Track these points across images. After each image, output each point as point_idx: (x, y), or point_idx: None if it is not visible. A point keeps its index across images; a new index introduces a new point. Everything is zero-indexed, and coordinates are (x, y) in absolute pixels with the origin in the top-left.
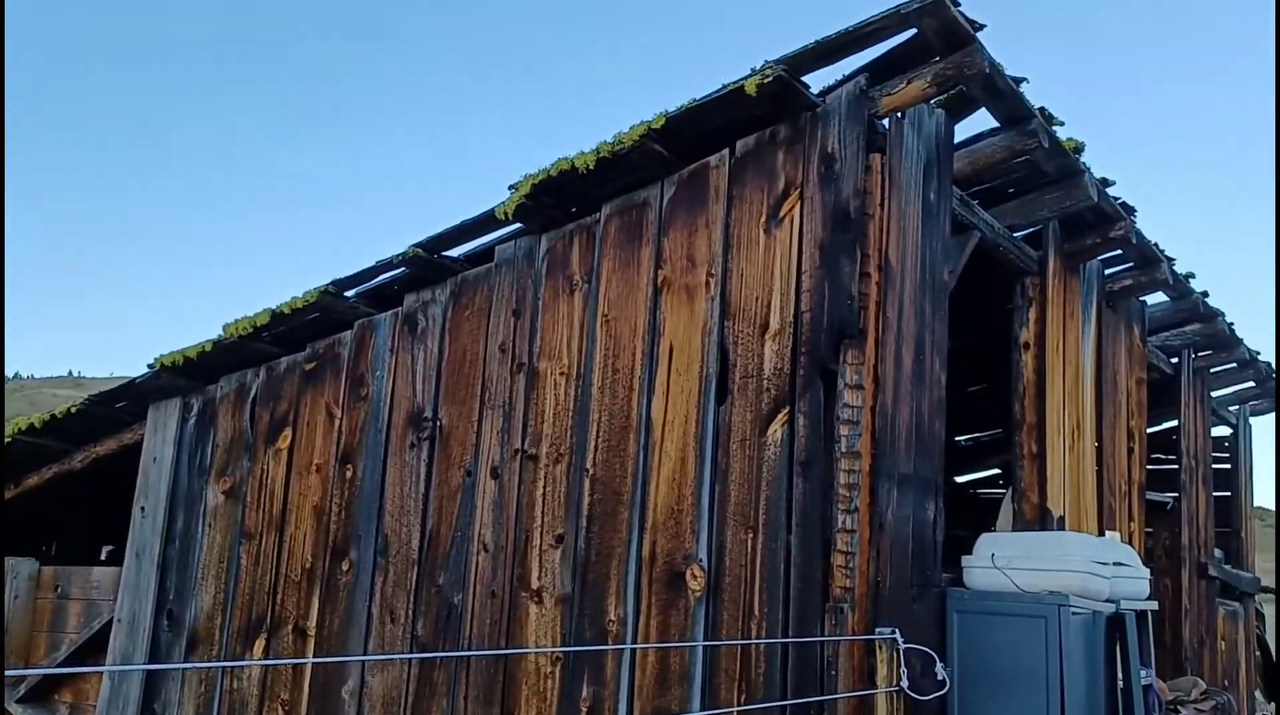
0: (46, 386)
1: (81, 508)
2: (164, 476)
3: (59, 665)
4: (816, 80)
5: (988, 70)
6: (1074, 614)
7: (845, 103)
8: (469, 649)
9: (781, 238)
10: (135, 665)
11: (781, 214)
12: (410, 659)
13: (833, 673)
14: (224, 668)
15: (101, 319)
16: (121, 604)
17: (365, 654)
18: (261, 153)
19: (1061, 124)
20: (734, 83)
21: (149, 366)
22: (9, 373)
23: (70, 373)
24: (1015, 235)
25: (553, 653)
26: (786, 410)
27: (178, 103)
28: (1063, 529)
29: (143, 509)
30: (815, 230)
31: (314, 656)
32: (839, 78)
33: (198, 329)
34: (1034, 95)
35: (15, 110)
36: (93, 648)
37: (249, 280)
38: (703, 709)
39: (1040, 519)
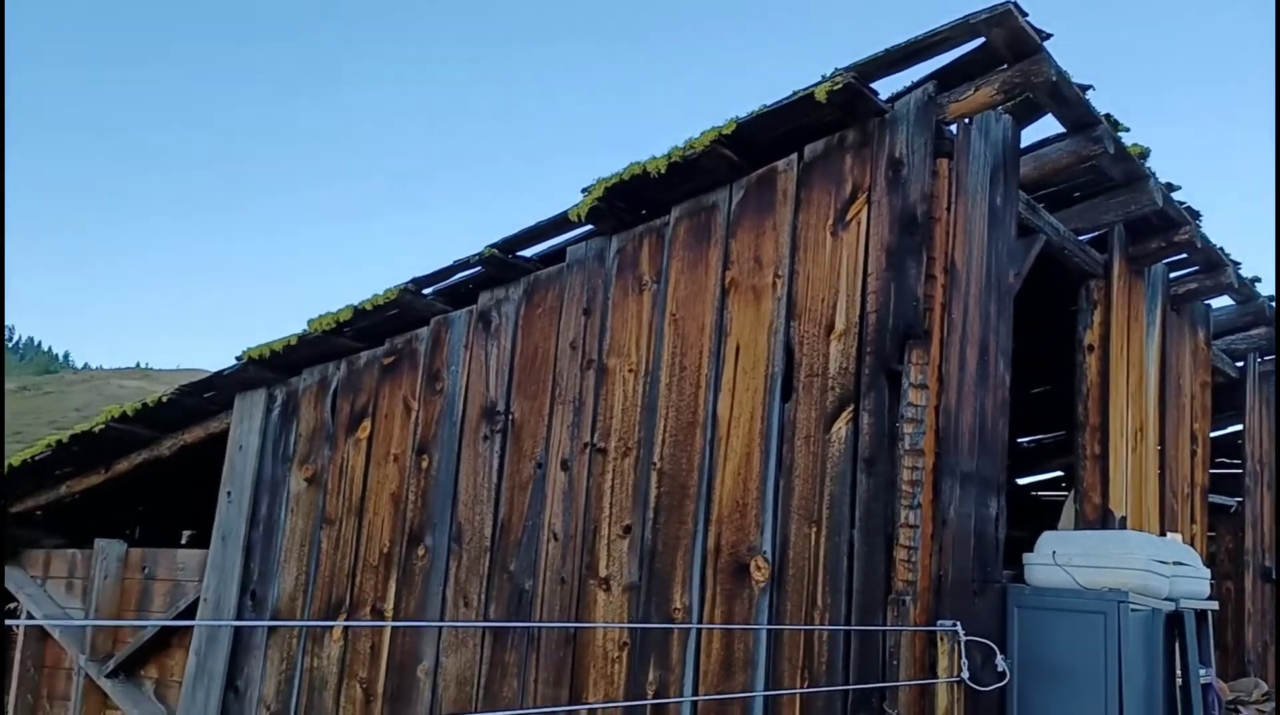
0: (114, 377)
1: (164, 493)
2: (249, 464)
3: (146, 642)
4: (885, 87)
5: (1054, 78)
6: (1133, 611)
7: (913, 109)
8: (540, 636)
9: (848, 240)
10: (220, 621)
11: (849, 217)
12: (485, 634)
13: (894, 662)
14: (304, 647)
15: (168, 311)
16: (207, 585)
17: (441, 634)
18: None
19: (1127, 129)
20: (803, 90)
21: (237, 359)
22: (79, 363)
23: (137, 364)
24: (1080, 239)
25: (620, 638)
26: (851, 408)
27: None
28: (1124, 529)
29: (229, 494)
30: (882, 233)
31: (391, 639)
32: (907, 84)
33: (264, 323)
34: (1100, 100)
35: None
36: (175, 628)
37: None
38: (765, 701)
39: (1102, 519)
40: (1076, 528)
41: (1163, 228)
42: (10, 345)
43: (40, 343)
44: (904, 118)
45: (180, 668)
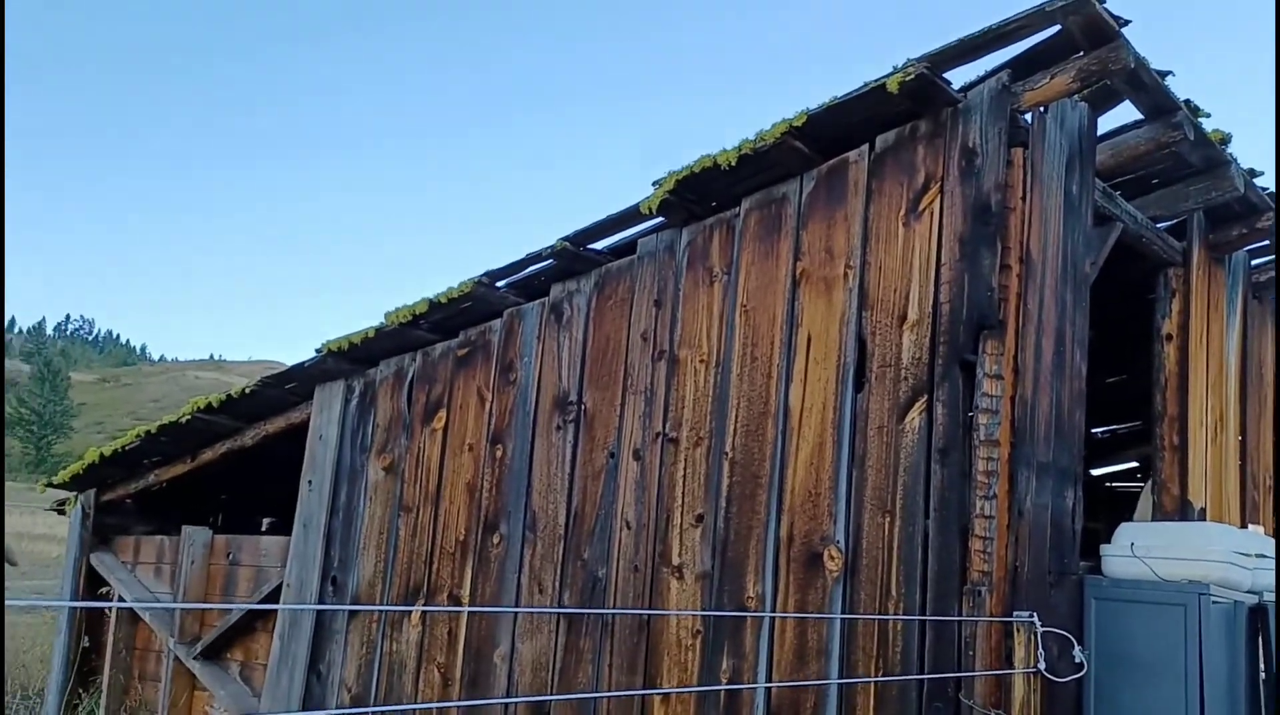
0: (190, 369)
1: (245, 482)
2: (329, 453)
3: (231, 626)
4: (957, 77)
5: (1132, 65)
6: (1214, 603)
7: (987, 98)
8: (614, 623)
9: (920, 231)
10: (304, 606)
11: (921, 207)
12: (559, 621)
13: (970, 653)
14: (384, 632)
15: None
16: (290, 570)
17: (516, 621)
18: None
19: (1208, 115)
20: (875, 81)
21: (316, 351)
22: (155, 356)
23: (211, 356)
24: (1159, 226)
25: (693, 627)
26: (924, 399)
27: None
28: (1204, 521)
29: (309, 483)
30: (955, 223)
31: (468, 625)
32: (980, 74)
33: (335, 317)
34: (1180, 85)
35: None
36: (259, 612)
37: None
38: (839, 690)
39: (1181, 511)
40: (1154, 519)
41: (1244, 214)
42: (90, 338)
43: (118, 336)
44: (977, 107)
45: (264, 651)
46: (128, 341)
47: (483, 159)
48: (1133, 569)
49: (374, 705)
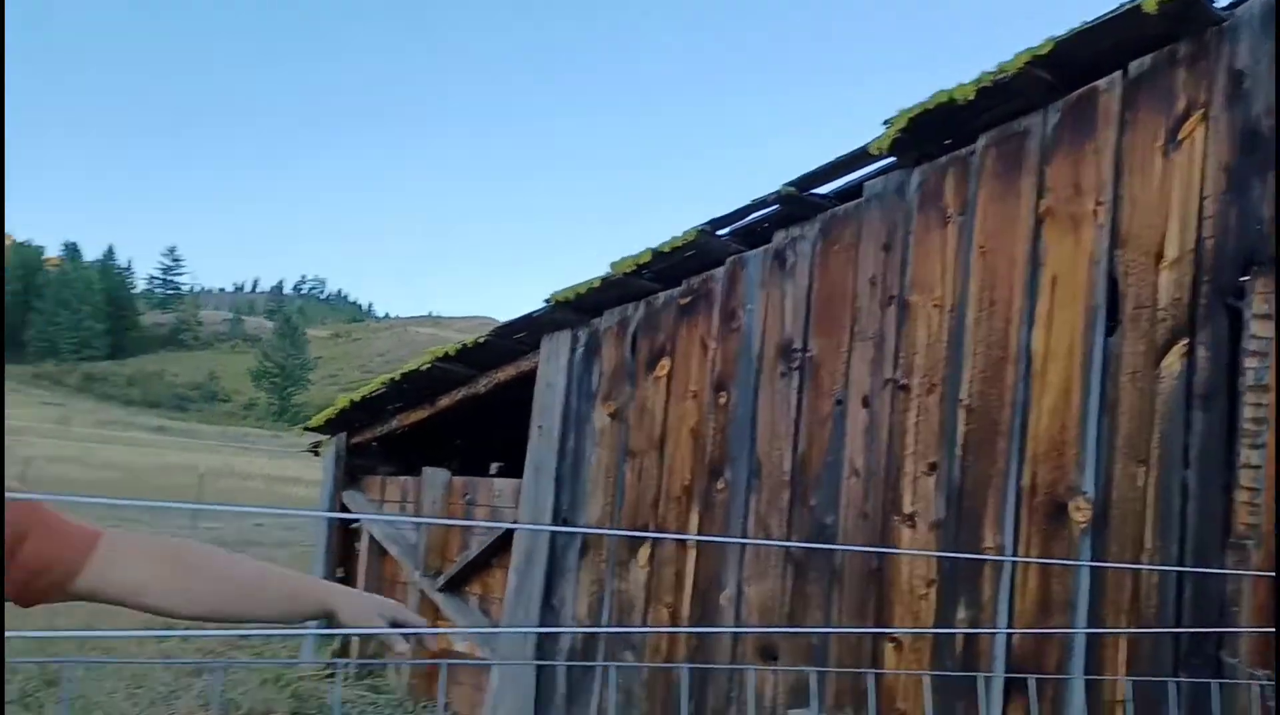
0: (410, 325)
1: (476, 428)
2: (557, 400)
3: (470, 562)
4: None
5: None
6: None
7: (1257, 15)
8: (842, 569)
9: (1180, 162)
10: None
11: (1180, 136)
12: (787, 566)
13: (1234, 609)
14: (613, 571)
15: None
16: (522, 512)
17: (743, 564)
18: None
19: None
20: (1129, 2)
21: (545, 302)
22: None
23: (429, 313)
24: None
25: (927, 576)
26: (1184, 342)
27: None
28: None
29: (539, 428)
30: (1220, 153)
31: (695, 567)
32: None
33: (539, 275)
34: None
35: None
36: (495, 549)
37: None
38: (1087, 640)
39: None
40: None
41: None
42: (322, 298)
43: (346, 295)
44: (1246, 25)
45: (500, 586)
46: (355, 300)
47: (694, 131)
48: None
49: (604, 641)
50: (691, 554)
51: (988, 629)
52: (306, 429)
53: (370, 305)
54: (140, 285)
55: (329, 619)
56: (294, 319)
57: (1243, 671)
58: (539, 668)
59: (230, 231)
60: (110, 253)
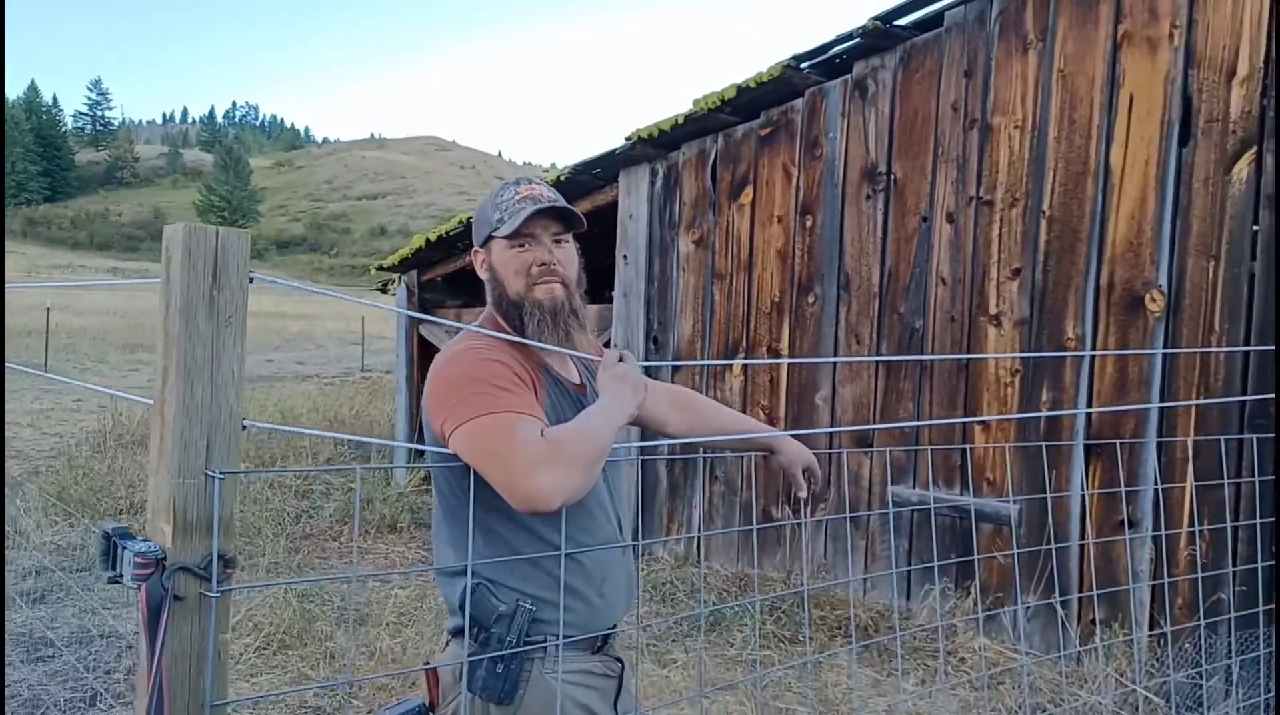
0: (354, 149)
1: None
2: (640, 230)
3: None
4: None
5: None
6: None
7: None
8: (932, 366)
9: None
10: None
11: None
12: (878, 367)
13: None
14: (707, 383)
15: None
16: (615, 332)
17: (836, 368)
18: None
19: None
20: None
21: (626, 139)
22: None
23: (372, 135)
24: None
25: (1012, 366)
26: (1254, 150)
27: None
28: None
29: (625, 257)
30: None
31: (789, 373)
32: None
33: (493, 91)
34: None
35: None
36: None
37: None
38: (1160, 411)
39: None
40: None
41: None
42: (257, 124)
43: (282, 120)
44: None
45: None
46: (292, 125)
47: None
48: None
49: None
50: (785, 359)
51: (1068, 410)
52: (379, 268)
53: (308, 130)
54: (68, 123)
55: (772, 452)
56: (235, 150)
57: None
58: (641, 465)
59: (153, 58)
60: (34, 88)
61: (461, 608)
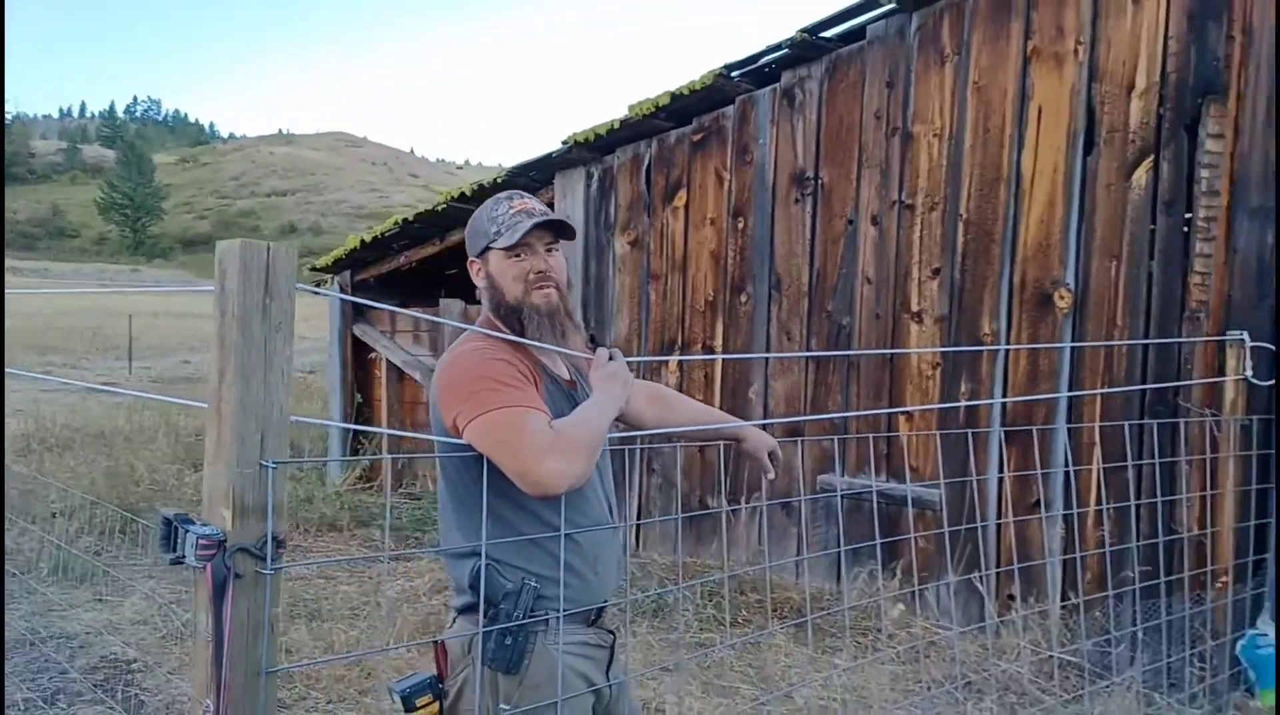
0: (262, 145)
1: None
2: (577, 231)
3: None
4: None
5: None
6: None
7: None
8: (859, 360)
9: (1149, 6)
10: None
11: None
12: (808, 362)
13: (1188, 366)
14: (644, 378)
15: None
16: None
17: (768, 363)
18: None
19: None
20: None
21: (563, 143)
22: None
23: (280, 131)
24: None
25: (933, 360)
26: (1151, 159)
27: None
28: None
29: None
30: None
31: (723, 369)
32: None
33: (373, 84)
34: None
35: None
36: None
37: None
38: (1069, 400)
39: None
40: None
41: None
42: (160, 120)
43: (186, 115)
44: None
45: None
46: (196, 120)
47: None
48: None
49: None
50: (719, 355)
51: (985, 400)
52: (313, 268)
53: (213, 125)
54: None
55: (739, 441)
56: (138, 146)
57: (1195, 411)
58: None
59: (46, 51)
60: None
61: (471, 586)
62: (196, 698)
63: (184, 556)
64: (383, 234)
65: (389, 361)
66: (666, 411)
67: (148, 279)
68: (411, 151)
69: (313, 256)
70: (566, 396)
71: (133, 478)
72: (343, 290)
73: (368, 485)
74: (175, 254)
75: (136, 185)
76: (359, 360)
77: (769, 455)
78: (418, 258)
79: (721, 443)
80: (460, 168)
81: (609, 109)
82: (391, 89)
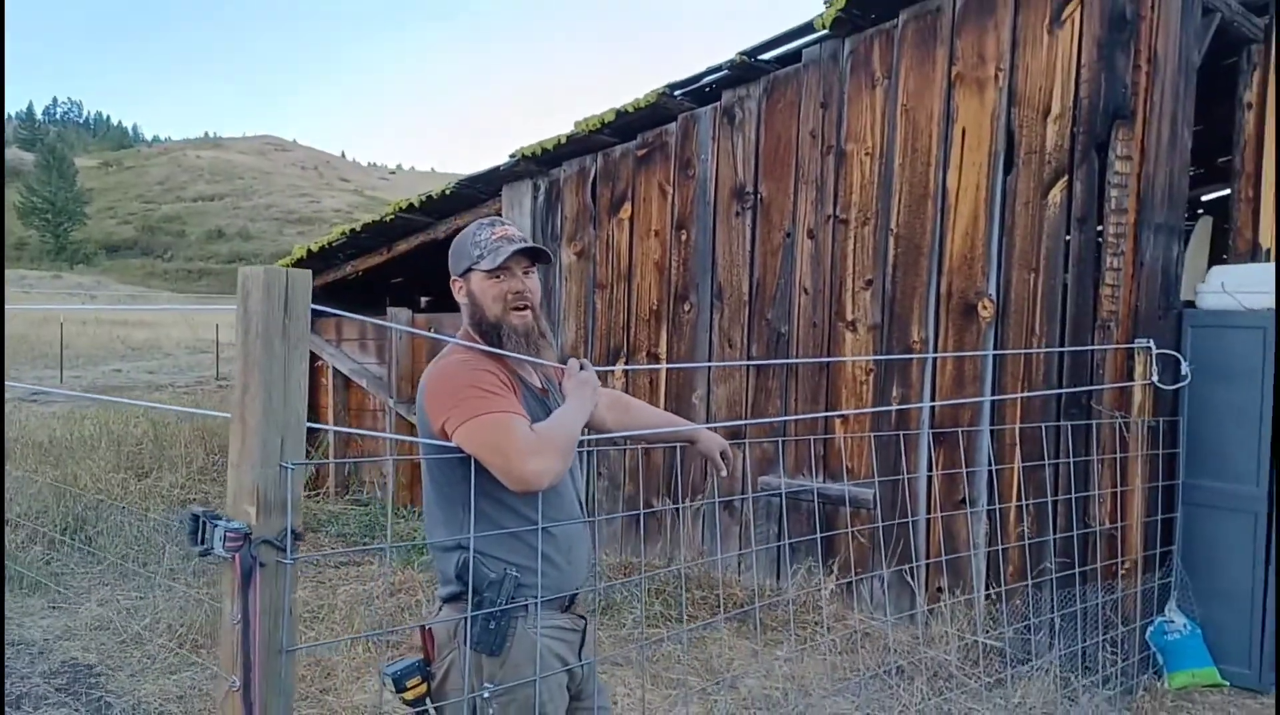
0: (188, 148)
1: (439, 272)
2: None
3: None
4: None
5: None
6: None
7: None
8: (797, 367)
9: (1063, 37)
10: None
11: (1064, 17)
12: (749, 368)
13: (1100, 371)
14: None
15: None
16: None
17: (710, 369)
18: None
19: None
20: None
21: (510, 157)
22: (149, 136)
23: (207, 134)
24: (1244, 6)
25: (867, 367)
26: (1065, 178)
27: None
28: (1269, 261)
29: None
30: (1094, 30)
31: (667, 375)
32: None
33: (306, 84)
34: None
35: None
36: None
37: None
38: (992, 404)
39: (1252, 252)
40: (1231, 260)
41: None
42: (81, 122)
43: (109, 117)
44: None
45: None
46: (119, 123)
47: None
48: (1223, 303)
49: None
50: (663, 365)
51: (915, 404)
52: None
53: (136, 128)
54: None
55: (692, 442)
56: (59, 149)
57: (1106, 412)
58: None
59: None
60: None
61: (458, 576)
62: (224, 675)
63: (212, 548)
64: (329, 244)
65: (335, 369)
66: (626, 416)
67: (70, 284)
68: (343, 155)
69: (242, 262)
70: (540, 403)
71: (78, 487)
72: None
73: (314, 493)
74: (99, 260)
75: (57, 189)
76: (311, 366)
77: (720, 454)
78: (364, 267)
79: (676, 444)
80: (393, 172)
81: (546, 110)
82: (322, 91)
